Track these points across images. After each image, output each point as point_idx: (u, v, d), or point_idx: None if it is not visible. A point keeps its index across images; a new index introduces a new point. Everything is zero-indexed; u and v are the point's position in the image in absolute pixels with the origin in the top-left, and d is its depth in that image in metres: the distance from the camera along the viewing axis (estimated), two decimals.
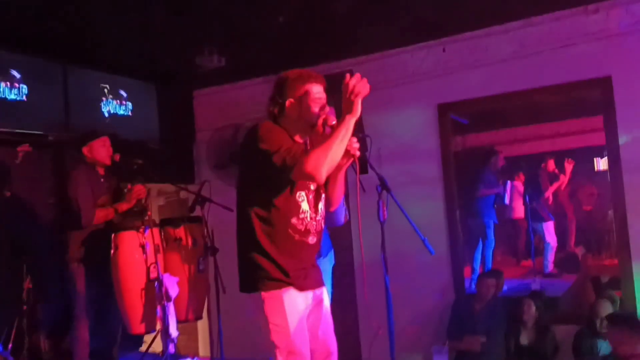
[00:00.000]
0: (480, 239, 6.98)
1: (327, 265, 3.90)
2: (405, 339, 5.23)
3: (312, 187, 2.61)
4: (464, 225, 7.63)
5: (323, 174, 2.36)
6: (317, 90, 2.58)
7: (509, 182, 7.13)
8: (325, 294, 2.74)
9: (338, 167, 2.57)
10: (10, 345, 4.13)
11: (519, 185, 7.76)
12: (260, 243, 2.51)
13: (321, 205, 2.67)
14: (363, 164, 5.45)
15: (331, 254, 4.00)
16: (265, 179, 2.48)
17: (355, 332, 5.64)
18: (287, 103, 2.55)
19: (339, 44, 5.31)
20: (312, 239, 2.61)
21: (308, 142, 2.69)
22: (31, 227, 4.82)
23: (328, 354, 2.70)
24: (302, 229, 2.56)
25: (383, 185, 3.68)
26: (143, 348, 4.71)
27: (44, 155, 5.10)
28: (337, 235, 5.70)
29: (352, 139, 2.50)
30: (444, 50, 5.34)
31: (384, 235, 3.65)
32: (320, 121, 2.55)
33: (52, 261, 4.54)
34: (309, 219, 2.59)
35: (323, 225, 2.69)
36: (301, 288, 2.56)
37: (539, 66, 4.96)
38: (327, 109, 2.61)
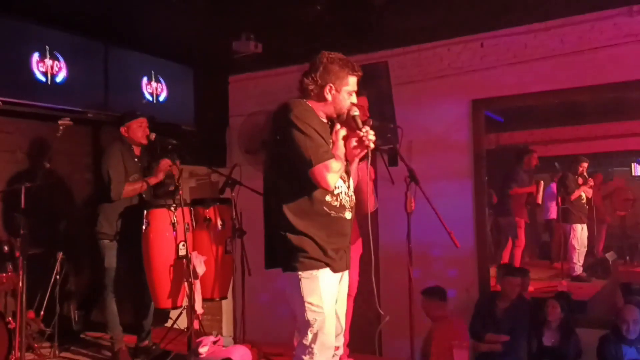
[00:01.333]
0: (511, 238, 6.92)
1: (354, 253, 3.91)
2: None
3: (344, 163, 2.63)
4: (494, 223, 7.59)
5: (331, 185, 2.50)
6: (354, 83, 2.63)
7: (542, 182, 7.02)
8: (347, 276, 2.78)
9: (350, 159, 2.63)
10: (42, 313, 4.29)
11: (554, 186, 7.65)
12: (297, 223, 2.54)
13: (351, 181, 2.71)
14: (393, 156, 5.49)
15: (359, 243, 4.02)
16: (295, 156, 2.51)
17: (377, 323, 5.66)
18: (326, 88, 2.58)
19: (375, 35, 5.32)
20: (348, 214, 2.64)
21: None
22: (68, 200, 4.98)
23: (340, 330, 2.75)
24: (338, 205, 2.59)
25: (412, 177, 3.71)
26: (169, 323, 4.83)
27: (83, 132, 5.26)
28: (361, 225, 5.75)
29: (369, 131, 2.51)
30: (481, 45, 5.30)
31: (410, 226, 3.70)
32: (345, 112, 2.61)
33: (85, 234, 4.67)
34: (343, 194, 2.62)
35: (355, 201, 2.72)
36: (336, 269, 2.61)
37: (579, 65, 4.88)
38: (357, 101, 2.64)
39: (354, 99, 2.63)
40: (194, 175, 6.38)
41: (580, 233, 6.92)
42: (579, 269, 6.84)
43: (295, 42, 5.38)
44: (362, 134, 2.51)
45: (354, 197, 2.72)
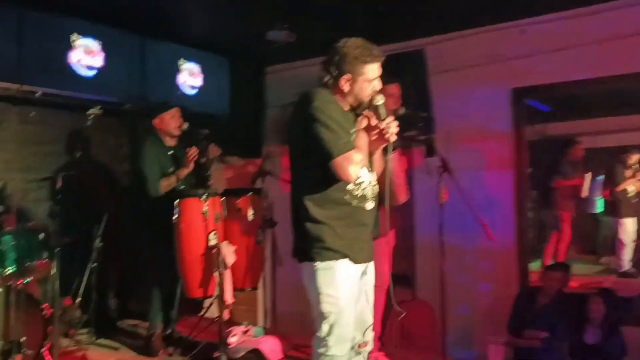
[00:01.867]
0: (555, 232, 6.70)
1: (385, 245, 3.83)
2: (460, 329, 5.13)
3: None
4: (537, 216, 7.36)
5: (352, 177, 2.44)
6: (374, 70, 2.51)
7: (589, 174, 6.75)
8: (372, 267, 2.70)
9: (372, 150, 2.56)
10: (78, 301, 4.38)
11: (601, 179, 7.37)
12: (316, 212, 2.49)
13: (375, 171, 2.63)
14: (430, 146, 5.36)
15: (391, 234, 3.94)
16: (316, 147, 2.45)
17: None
18: (341, 79, 2.49)
19: (413, 22, 5.19)
20: (369, 205, 2.57)
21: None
22: (106, 190, 5.07)
23: (364, 326, 2.66)
24: (359, 195, 2.53)
25: (444, 167, 3.61)
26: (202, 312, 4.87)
27: (120, 123, 5.35)
28: (398, 217, 5.66)
29: (392, 123, 2.41)
30: (522, 31, 5.10)
31: (443, 218, 3.60)
32: (369, 101, 2.51)
33: (123, 224, 4.74)
34: (366, 184, 2.55)
35: (378, 191, 2.64)
36: (356, 261, 2.54)
37: (627, 51, 4.62)
38: (379, 88, 2.53)
39: (376, 85, 2.53)
40: (230, 165, 6.40)
41: (629, 227, 6.64)
42: (627, 265, 6.57)
43: (330, 31, 5.28)
44: (382, 126, 2.41)
45: (377, 187, 2.64)
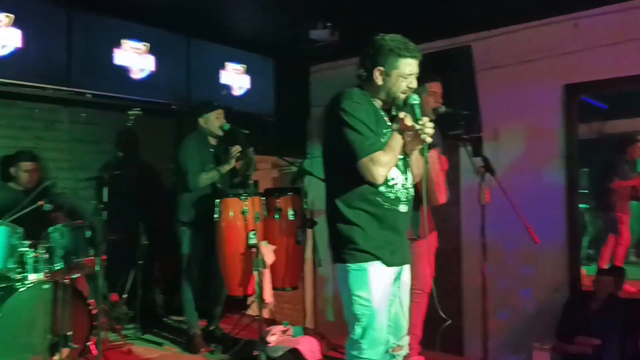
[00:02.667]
0: (612, 235, 6.40)
1: (427, 247, 3.75)
2: (505, 333, 4.98)
3: (401, 154, 2.49)
4: (593, 218, 7.06)
5: (378, 179, 2.38)
6: (409, 66, 2.44)
7: None
8: (407, 271, 2.63)
9: (408, 151, 2.50)
10: (125, 296, 4.49)
11: None
12: (348, 213, 2.46)
13: (410, 173, 2.56)
14: (477, 145, 5.22)
15: (434, 236, 3.85)
16: (345, 146, 2.41)
17: (458, 321, 5.44)
18: (375, 71, 2.45)
19: (459, 18, 5.07)
20: (403, 207, 2.51)
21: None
22: (152, 189, 5.18)
23: (399, 330, 2.61)
24: (392, 197, 2.48)
25: (487, 167, 3.50)
26: (248, 311, 4.91)
27: (167, 123, 5.46)
28: (443, 218, 5.53)
29: (427, 123, 2.34)
30: (575, 25, 4.90)
31: (485, 219, 3.49)
32: (402, 97, 2.45)
33: (169, 222, 4.83)
34: (399, 186, 2.50)
35: (413, 194, 2.58)
36: (388, 263, 2.48)
37: None
38: (414, 86, 2.47)
39: (412, 83, 2.47)
40: (276, 165, 6.44)
41: None
42: None
43: (374, 29, 5.22)
44: (417, 127, 2.34)
45: (412, 190, 2.57)
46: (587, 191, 6.90)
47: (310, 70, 6.48)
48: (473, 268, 4.86)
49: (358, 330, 2.44)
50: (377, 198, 2.44)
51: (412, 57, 2.44)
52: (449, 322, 2.69)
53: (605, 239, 6.54)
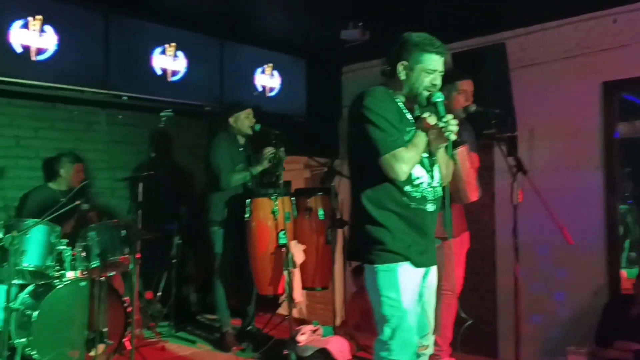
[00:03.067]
0: None
1: (458, 247, 3.70)
2: (541, 337, 4.88)
3: (425, 152, 2.47)
4: (635, 219, 6.84)
5: (401, 175, 2.37)
6: (433, 61, 2.42)
7: None
8: (434, 272, 2.61)
9: (433, 149, 2.47)
10: (159, 294, 4.59)
11: None
12: (375, 214, 2.44)
13: (436, 172, 2.53)
14: (512, 144, 5.13)
15: (465, 236, 3.80)
16: (369, 144, 2.41)
17: (493, 323, 5.36)
18: (399, 65, 2.44)
19: (492, 15, 4.98)
20: (430, 207, 2.49)
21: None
22: (187, 189, 5.28)
23: (423, 329, 2.58)
24: (419, 196, 2.45)
25: (519, 166, 3.43)
26: (282, 309, 4.94)
27: (200, 124, 5.55)
28: (478, 218, 5.46)
29: (451, 121, 2.32)
30: (614, 21, 4.76)
31: (517, 220, 3.42)
32: (425, 93, 2.43)
33: (200, 222, 4.90)
34: (425, 185, 2.47)
35: (441, 193, 2.55)
36: (417, 264, 2.47)
37: None
38: (439, 84, 2.45)
39: (436, 80, 2.44)
40: (308, 166, 6.46)
41: None
42: None
43: (406, 28, 5.19)
44: (441, 124, 2.32)
45: (439, 189, 2.54)
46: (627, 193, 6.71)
47: (342, 71, 6.48)
48: (507, 270, 4.78)
49: (387, 331, 2.43)
50: (404, 198, 2.43)
51: (437, 53, 2.43)
52: (471, 322, 2.63)
53: None
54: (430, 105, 2.41)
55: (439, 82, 2.45)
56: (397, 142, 2.36)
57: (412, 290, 2.45)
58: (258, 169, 4.19)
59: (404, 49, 2.45)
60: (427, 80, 2.42)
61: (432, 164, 2.51)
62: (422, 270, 2.51)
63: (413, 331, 2.46)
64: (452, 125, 2.31)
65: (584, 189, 4.92)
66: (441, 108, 2.37)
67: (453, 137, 2.31)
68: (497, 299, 5.33)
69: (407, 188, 2.43)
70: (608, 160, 4.86)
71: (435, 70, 2.43)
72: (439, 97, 2.39)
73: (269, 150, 4.13)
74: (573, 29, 4.98)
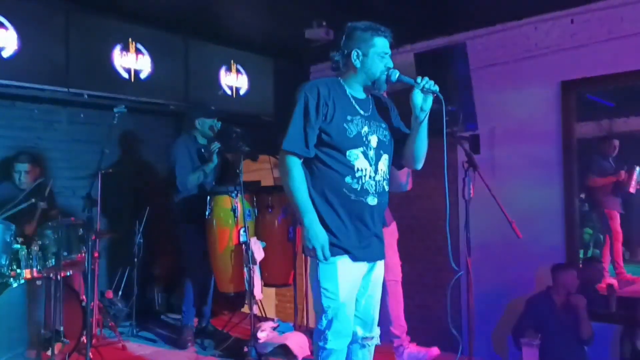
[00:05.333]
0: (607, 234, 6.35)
1: (390, 238, 3.76)
2: (499, 331, 4.97)
3: (373, 144, 2.50)
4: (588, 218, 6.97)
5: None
6: (384, 44, 2.49)
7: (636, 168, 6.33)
8: (380, 266, 2.63)
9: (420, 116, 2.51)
10: (120, 293, 4.55)
11: None
12: (317, 204, 2.45)
13: (382, 166, 2.54)
14: (475, 143, 5.19)
15: (393, 226, 3.85)
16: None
17: (458, 319, 5.41)
18: (352, 54, 2.49)
19: (454, 16, 5.06)
20: (371, 200, 2.49)
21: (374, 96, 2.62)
22: (150, 187, 5.24)
23: (369, 322, 2.62)
24: (358, 189, 2.46)
25: (470, 162, 3.49)
26: (245, 309, 4.94)
27: (165, 123, 5.52)
28: (443, 215, 5.51)
29: (424, 78, 2.43)
30: (572, 21, 4.86)
31: (468, 214, 3.48)
32: (383, 77, 2.48)
33: (166, 220, 4.88)
34: (367, 177, 2.47)
35: (385, 187, 2.56)
36: (357, 258, 2.48)
37: None
38: (391, 66, 2.50)
39: (389, 62, 2.49)
40: (277, 165, 6.45)
41: None
42: None
43: None
44: (422, 83, 2.40)
45: (383, 182, 2.54)
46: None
47: (310, 70, 6.50)
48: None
49: (324, 321, 2.46)
50: (343, 189, 2.45)
51: (385, 36, 2.50)
52: (462, 273, 2.71)
53: (604, 239, 6.49)
54: (393, 83, 2.47)
55: (391, 64, 2.50)
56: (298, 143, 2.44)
57: (350, 283, 2.48)
58: (210, 165, 4.18)
59: (353, 37, 2.50)
60: (382, 63, 2.47)
61: (377, 157, 2.53)
62: (363, 264, 2.53)
63: (349, 322, 2.50)
64: (428, 80, 2.41)
65: (544, 184, 5.00)
66: (406, 78, 2.45)
67: (435, 86, 2.41)
68: (460, 295, 5.39)
69: (347, 179, 2.45)
70: (566, 159, 4.95)
71: (387, 53, 2.49)
72: (396, 73, 2.46)
73: (214, 145, 4.13)
74: (533, 30, 5.07)
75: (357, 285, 2.52)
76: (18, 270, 3.70)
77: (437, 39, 5.41)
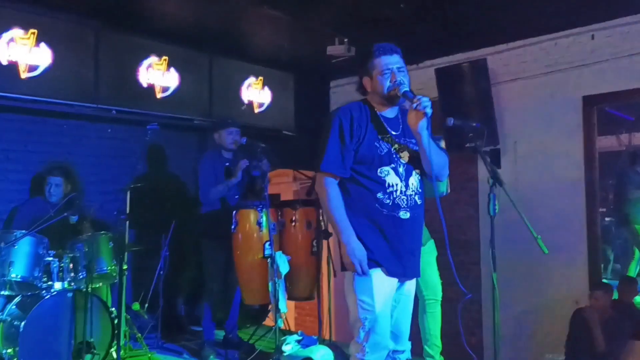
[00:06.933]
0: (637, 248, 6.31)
1: (428, 256, 3.81)
2: (523, 346, 4.95)
3: (403, 160, 2.58)
4: (617, 232, 6.94)
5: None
6: (385, 63, 2.55)
7: None
8: (413, 280, 2.69)
9: (417, 136, 2.52)
10: (147, 305, 4.62)
11: None
12: (351, 220, 2.52)
13: (413, 180, 2.60)
14: (495, 157, 5.22)
15: (431, 244, 3.89)
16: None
17: (478, 334, 5.42)
18: (363, 81, 2.64)
19: (475, 32, 5.11)
20: (404, 214, 2.54)
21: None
22: (175, 202, 5.33)
23: (400, 336, 2.67)
24: (390, 203, 2.52)
25: (495, 177, 3.51)
26: (266, 321, 4.99)
27: (189, 138, 5.62)
28: (464, 230, 5.55)
29: (421, 99, 2.44)
30: (592, 37, 4.90)
31: (494, 229, 3.50)
32: (393, 93, 2.54)
33: (192, 234, 4.96)
34: (398, 192, 2.54)
35: (418, 202, 2.61)
36: (390, 273, 2.54)
37: None
38: (399, 79, 2.54)
39: (396, 77, 2.54)
40: (296, 179, 6.53)
41: None
42: None
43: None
44: (415, 102, 2.44)
45: (416, 197, 2.60)
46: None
47: (330, 85, 6.59)
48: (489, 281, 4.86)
49: (362, 334, 2.50)
50: (376, 204, 2.51)
51: (385, 54, 2.56)
52: (470, 296, 2.72)
53: (632, 253, 6.45)
54: (402, 97, 2.54)
55: (399, 77, 2.54)
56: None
57: (384, 295, 2.53)
58: (233, 180, 4.26)
59: (361, 64, 2.64)
60: (385, 80, 2.54)
61: (408, 173, 2.59)
62: (395, 279, 2.58)
63: (386, 335, 2.54)
64: (425, 100, 2.44)
65: (566, 199, 5.02)
66: (409, 94, 2.49)
67: (429, 110, 2.43)
68: (481, 310, 5.40)
69: (379, 195, 2.52)
70: (588, 172, 4.96)
71: (389, 69, 2.54)
72: (404, 88, 2.52)
73: (242, 162, 4.22)
74: (553, 45, 5.12)
75: (391, 299, 2.57)
76: (50, 283, 3.80)
77: (457, 55, 5.48)
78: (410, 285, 2.67)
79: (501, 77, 5.25)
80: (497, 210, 3.43)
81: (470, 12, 4.65)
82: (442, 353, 3.94)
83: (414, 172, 2.61)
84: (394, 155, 2.56)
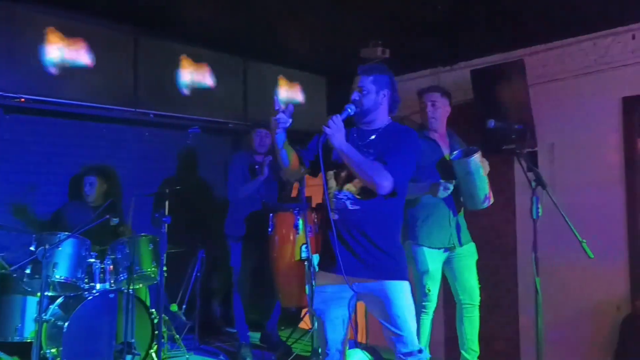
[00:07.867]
0: None
1: (467, 259, 3.79)
2: (564, 352, 4.85)
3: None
4: None
5: None
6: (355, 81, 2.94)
7: None
8: (385, 286, 2.66)
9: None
10: (184, 307, 4.68)
11: None
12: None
13: (349, 186, 2.74)
14: (533, 160, 5.14)
15: (471, 246, 3.86)
16: None
17: (516, 339, 5.34)
18: None
19: (511, 32, 5.04)
20: (333, 215, 2.71)
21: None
22: (210, 204, 5.39)
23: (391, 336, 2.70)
24: (329, 205, 2.74)
25: (538, 180, 3.47)
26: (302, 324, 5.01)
27: (224, 140, 5.68)
28: (500, 234, 5.47)
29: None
30: (633, 37, 4.79)
31: (536, 233, 3.45)
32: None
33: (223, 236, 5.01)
34: (331, 195, 2.75)
35: (348, 205, 2.72)
36: (322, 267, 2.79)
37: None
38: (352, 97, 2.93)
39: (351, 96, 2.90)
40: None
41: None
42: None
43: (424, 46, 5.29)
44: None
45: (345, 201, 2.74)
46: None
47: None
48: (528, 285, 4.79)
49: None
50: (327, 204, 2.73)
51: (357, 74, 2.93)
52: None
53: None
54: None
55: (353, 96, 2.92)
56: None
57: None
58: (260, 178, 4.30)
59: None
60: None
61: (348, 178, 2.78)
62: (340, 277, 2.63)
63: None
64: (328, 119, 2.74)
65: (605, 203, 4.91)
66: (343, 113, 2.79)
67: (327, 128, 2.75)
68: (519, 315, 5.32)
69: (325, 196, 2.79)
70: (629, 175, 4.85)
71: (353, 90, 2.90)
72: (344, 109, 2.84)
73: (267, 160, 4.25)
74: (592, 45, 5.02)
75: (336, 297, 2.72)
76: (92, 284, 3.88)
77: (493, 56, 5.41)
78: (387, 289, 2.67)
79: (539, 78, 5.16)
80: (540, 214, 3.41)
81: (507, 13, 4.60)
82: (479, 358, 3.91)
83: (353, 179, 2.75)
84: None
